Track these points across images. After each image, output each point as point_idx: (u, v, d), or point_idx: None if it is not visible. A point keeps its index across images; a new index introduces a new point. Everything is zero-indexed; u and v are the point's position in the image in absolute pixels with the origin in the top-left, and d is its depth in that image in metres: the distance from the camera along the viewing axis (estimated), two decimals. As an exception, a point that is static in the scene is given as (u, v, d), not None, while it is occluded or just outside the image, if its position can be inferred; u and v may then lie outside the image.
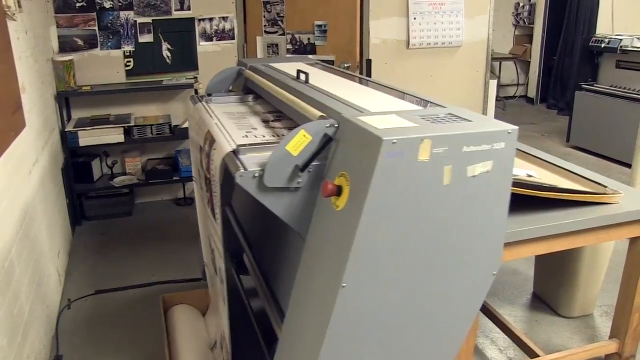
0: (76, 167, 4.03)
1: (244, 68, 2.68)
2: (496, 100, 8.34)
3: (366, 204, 1.32)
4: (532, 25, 8.34)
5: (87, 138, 3.91)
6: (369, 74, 4.67)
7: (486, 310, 2.75)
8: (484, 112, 5.04)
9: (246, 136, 1.88)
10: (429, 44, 4.69)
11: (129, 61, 4.19)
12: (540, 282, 3.09)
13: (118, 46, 4.13)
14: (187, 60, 4.28)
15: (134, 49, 4.17)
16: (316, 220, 1.53)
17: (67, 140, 3.89)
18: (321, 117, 1.61)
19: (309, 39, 3.96)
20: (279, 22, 4.10)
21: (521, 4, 8.50)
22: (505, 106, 8.11)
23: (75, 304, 3.13)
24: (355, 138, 1.42)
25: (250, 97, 2.48)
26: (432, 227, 1.40)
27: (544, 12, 8.06)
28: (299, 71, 2.16)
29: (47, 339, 2.67)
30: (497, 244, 1.50)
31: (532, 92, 8.50)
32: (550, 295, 3.01)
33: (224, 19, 4.29)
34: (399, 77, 4.70)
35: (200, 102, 2.46)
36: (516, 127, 1.40)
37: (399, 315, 1.47)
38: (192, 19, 4.22)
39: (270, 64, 2.63)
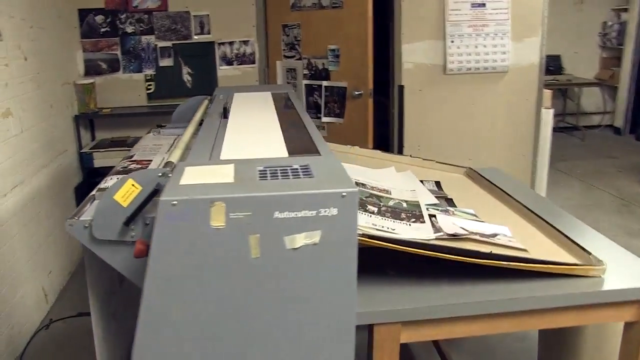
0: (92, 187, 4.07)
1: (208, 97, 2.53)
2: (575, 129, 7.59)
3: (148, 272, 1.09)
4: (621, 47, 7.49)
5: (102, 159, 3.95)
6: (401, 102, 4.34)
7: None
8: (535, 146, 4.50)
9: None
10: (469, 69, 4.27)
11: (150, 85, 4.20)
12: (544, 357, 2.60)
13: (139, 70, 4.16)
14: (207, 84, 4.22)
15: (155, 73, 4.18)
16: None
17: (83, 161, 3.95)
18: (167, 165, 1.40)
19: (323, 64, 3.74)
20: (296, 47, 3.92)
21: (609, 24, 7.67)
22: (584, 137, 7.32)
23: (56, 325, 3.10)
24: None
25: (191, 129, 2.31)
26: (240, 305, 1.12)
27: (636, 32, 7.21)
28: (224, 108, 1.96)
29: (5, 365, 2.65)
30: (337, 327, 1.19)
31: (619, 122, 7.61)
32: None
33: (245, 42, 4.18)
34: (434, 104, 4.33)
35: (150, 133, 2.34)
36: (355, 190, 1.09)
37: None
38: (212, 43, 4.16)
39: (238, 94, 2.46)
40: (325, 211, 1.08)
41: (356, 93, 3.58)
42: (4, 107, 2.82)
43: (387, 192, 2.17)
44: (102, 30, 4.05)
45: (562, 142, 6.89)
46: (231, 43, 4.18)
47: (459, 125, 4.41)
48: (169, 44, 4.13)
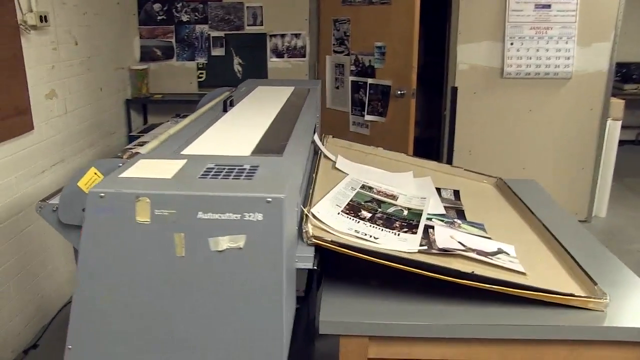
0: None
1: (234, 89, 2.54)
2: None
3: (79, 261, 1.09)
4: None
5: (149, 144, 4.07)
6: (454, 104, 4.17)
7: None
8: (597, 159, 4.18)
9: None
10: (529, 73, 4.02)
11: (202, 73, 4.28)
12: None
13: (192, 58, 4.25)
14: (257, 75, 4.24)
15: (206, 62, 4.25)
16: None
17: (132, 143, 4.09)
18: (133, 155, 1.39)
19: (370, 61, 3.64)
20: (345, 42, 3.84)
21: None
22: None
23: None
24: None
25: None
26: (165, 302, 1.10)
27: None
28: (224, 101, 1.94)
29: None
30: (263, 334, 1.13)
31: None
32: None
33: (297, 36, 4.16)
34: (489, 109, 4.13)
35: (169, 121, 2.37)
36: (281, 196, 1.03)
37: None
38: (264, 35, 4.17)
39: (262, 87, 2.45)
40: (250, 216, 1.03)
41: (399, 92, 3.46)
42: (48, 89, 2.96)
43: (393, 197, 2.08)
44: (159, 18, 4.17)
45: (637, 157, 6.36)
46: (283, 35, 4.17)
47: (514, 132, 4.17)
48: (221, 34, 4.18)
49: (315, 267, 1.41)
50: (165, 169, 1.20)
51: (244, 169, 1.19)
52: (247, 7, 4.12)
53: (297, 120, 1.77)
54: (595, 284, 1.59)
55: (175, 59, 4.26)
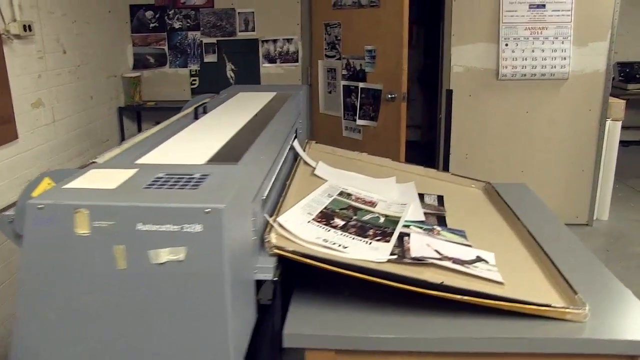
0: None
1: (215, 96, 2.51)
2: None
3: (19, 277, 1.06)
4: None
5: (142, 152, 4.06)
6: (449, 107, 4.11)
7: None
8: (597, 161, 4.09)
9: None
10: (525, 75, 3.96)
11: (195, 80, 4.26)
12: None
13: (185, 65, 4.23)
14: (250, 81, 4.22)
15: (199, 68, 4.23)
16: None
17: (126, 152, 4.08)
18: (89, 165, 1.36)
19: (361, 64, 3.60)
20: (337, 46, 3.80)
21: None
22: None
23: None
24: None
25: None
26: (107, 316, 1.07)
27: None
28: (196, 109, 1.91)
29: None
30: (206, 349, 1.09)
31: None
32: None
33: (289, 41, 4.13)
34: (485, 111, 4.06)
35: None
36: (221, 207, 0.99)
37: None
38: (255, 40, 4.14)
39: (243, 93, 2.42)
40: (189, 227, 0.99)
41: (389, 96, 3.41)
42: (34, 98, 2.95)
43: (371, 204, 2.03)
44: (151, 25, 4.16)
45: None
46: (275, 41, 4.14)
47: (511, 135, 4.10)
48: (213, 40, 4.16)
49: (275, 279, 1.36)
50: (113, 179, 1.16)
51: (193, 178, 1.16)
52: (239, 12, 4.10)
53: (266, 127, 1.73)
54: (576, 293, 1.53)
55: (168, 66, 4.25)
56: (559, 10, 3.82)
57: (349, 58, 3.71)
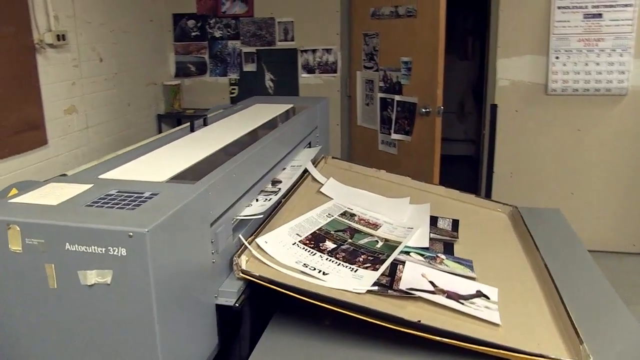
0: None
1: (232, 106, 2.47)
2: None
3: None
4: None
5: (179, 159, 4.10)
6: (493, 123, 3.90)
7: None
8: (658, 184, 3.75)
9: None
10: (577, 90, 3.68)
11: (234, 89, 4.26)
12: None
13: (224, 74, 4.24)
14: (288, 91, 4.17)
15: (238, 78, 4.23)
16: None
17: (164, 159, 4.13)
18: (60, 176, 1.33)
19: (397, 76, 3.46)
20: (374, 57, 3.69)
21: None
22: None
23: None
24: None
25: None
26: (41, 333, 1.03)
27: None
28: (191, 122, 1.86)
29: None
30: None
31: None
32: None
33: (328, 51, 4.06)
34: (532, 128, 3.82)
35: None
36: (143, 231, 0.92)
37: None
38: (294, 50, 4.09)
39: (260, 105, 2.37)
40: (114, 250, 0.93)
41: (423, 110, 3.26)
42: (67, 105, 3.02)
43: (375, 226, 1.91)
44: (193, 34, 4.21)
45: None
46: (314, 51, 4.08)
47: (561, 154, 3.83)
48: (253, 49, 4.15)
49: (235, 305, 1.28)
50: (63, 194, 1.13)
51: (141, 197, 1.10)
52: (279, 22, 4.07)
53: (258, 142, 1.65)
54: (582, 342, 1.36)
55: (209, 75, 4.27)
56: (617, 20, 3.53)
57: (386, 69, 3.58)
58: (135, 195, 1.11)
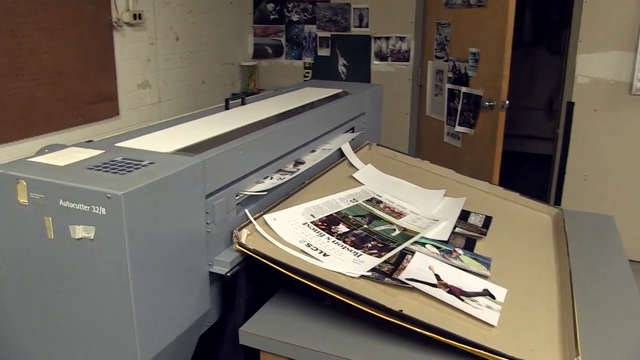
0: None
1: (284, 88, 2.55)
2: None
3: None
4: None
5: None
6: (568, 121, 3.70)
7: None
8: None
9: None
10: (666, 91, 3.39)
11: (308, 72, 4.34)
12: None
13: (299, 57, 4.33)
14: (360, 77, 4.18)
15: (312, 61, 4.30)
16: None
17: (236, 137, 4.32)
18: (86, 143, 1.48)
19: (465, 68, 3.37)
20: (445, 47, 3.60)
21: None
22: None
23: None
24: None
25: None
26: (38, 281, 1.17)
27: None
28: (226, 100, 1.96)
29: None
30: (116, 332, 1.13)
31: None
32: None
33: (401, 39, 4.02)
34: (613, 129, 3.59)
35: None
36: (119, 194, 1.02)
37: None
38: (368, 37, 4.09)
39: (308, 88, 2.44)
40: (96, 209, 1.04)
41: (487, 104, 3.16)
42: (141, 79, 3.24)
43: (400, 215, 1.92)
44: (272, 17, 4.33)
45: None
46: (387, 38, 4.05)
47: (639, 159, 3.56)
48: (327, 34, 4.20)
49: (226, 274, 1.35)
50: (74, 157, 1.25)
51: (139, 164, 1.20)
52: (354, 8, 4.08)
53: (278, 123, 1.71)
54: (578, 354, 1.31)
55: (284, 57, 4.38)
56: None
57: (455, 60, 3.50)
58: (135, 162, 1.21)
